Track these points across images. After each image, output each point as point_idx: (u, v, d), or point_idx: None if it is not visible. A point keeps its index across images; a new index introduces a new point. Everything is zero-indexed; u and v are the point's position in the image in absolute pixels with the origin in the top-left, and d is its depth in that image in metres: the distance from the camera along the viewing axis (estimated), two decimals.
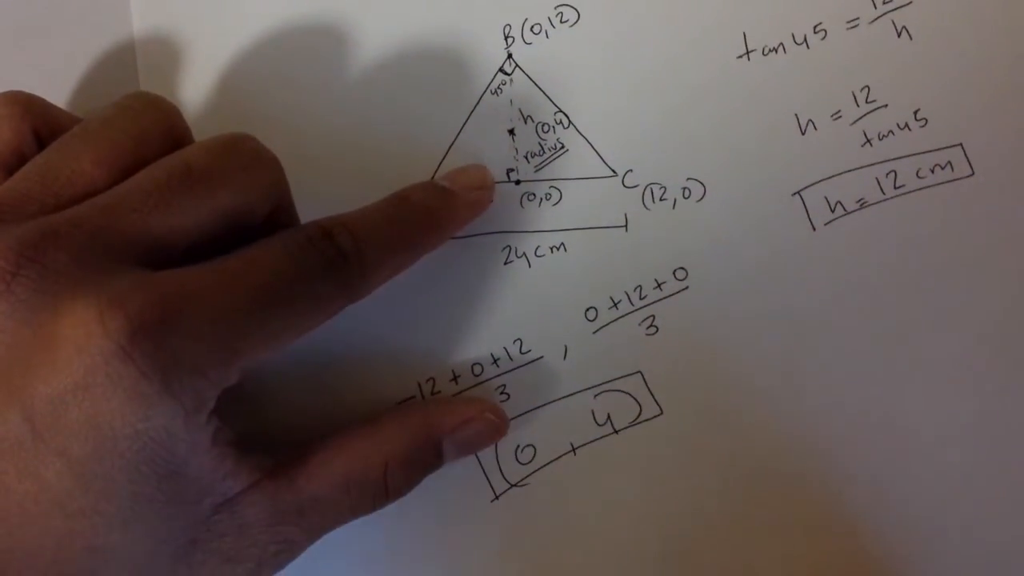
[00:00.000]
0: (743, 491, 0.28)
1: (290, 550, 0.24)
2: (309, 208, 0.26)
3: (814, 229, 0.28)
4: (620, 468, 0.28)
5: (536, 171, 0.29)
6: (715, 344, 0.28)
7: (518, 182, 0.29)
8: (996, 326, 0.28)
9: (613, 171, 0.29)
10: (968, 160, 0.28)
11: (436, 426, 0.26)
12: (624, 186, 0.28)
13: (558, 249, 0.29)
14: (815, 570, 0.27)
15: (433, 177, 0.28)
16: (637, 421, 0.28)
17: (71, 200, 0.22)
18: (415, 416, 0.26)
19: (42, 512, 0.21)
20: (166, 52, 0.30)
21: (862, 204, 0.28)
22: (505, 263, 0.29)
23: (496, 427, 0.27)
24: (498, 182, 0.28)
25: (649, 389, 0.28)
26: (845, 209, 0.28)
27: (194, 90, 0.29)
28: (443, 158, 0.29)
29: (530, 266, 0.29)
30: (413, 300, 0.28)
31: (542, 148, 0.29)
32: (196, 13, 0.30)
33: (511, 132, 0.29)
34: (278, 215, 0.25)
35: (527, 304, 0.28)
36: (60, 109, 0.26)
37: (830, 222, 0.28)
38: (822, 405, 0.28)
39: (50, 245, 0.21)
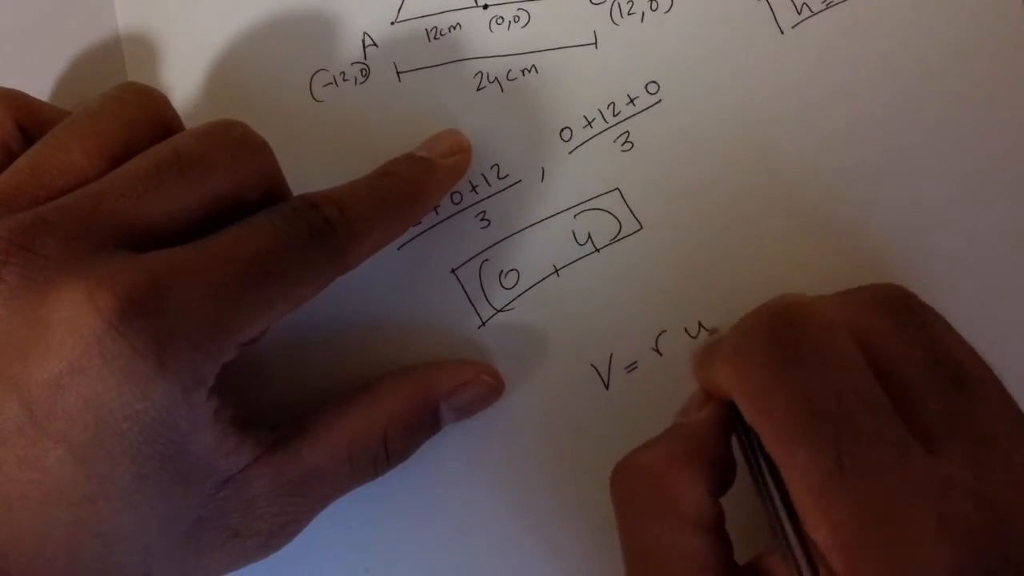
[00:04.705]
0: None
1: (297, 521, 0.24)
2: (299, 192, 0.25)
3: (782, 33, 0.28)
4: (604, 286, 0.28)
5: None
6: (690, 155, 0.28)
7: (486, 6, 0.29)
8: (967, 110, 0.28)
9: None
10: None
11: (433, 390, 0.26)
12: (591, 2, 0.29)
13: (529, 72, 0.29)
14: None
15: None
16: (618, 238, 0.28)
17: (62, 191, 0.22)
18: (412, 382, 0.26)
19: (46, 500, 0.21)
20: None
21: (828, 4, 0.28)
22: (478, 89, 0.29)
23: (493, 388, 0.27)
24: (466, 8, 0.29)
25: (628, 205, 0.28)
26: (811, 10, 0.28)
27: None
28: None
29: (503, 91, 0.29)
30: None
31: None
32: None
33: None
34: (272, 198, 0.25)
35: (502, 129, 0.29)
36: (45, 103, 0.26)
37: (797, 24, 0.28)
38: (799, 207, 0.28)
39: (39, 233, 0.21)
